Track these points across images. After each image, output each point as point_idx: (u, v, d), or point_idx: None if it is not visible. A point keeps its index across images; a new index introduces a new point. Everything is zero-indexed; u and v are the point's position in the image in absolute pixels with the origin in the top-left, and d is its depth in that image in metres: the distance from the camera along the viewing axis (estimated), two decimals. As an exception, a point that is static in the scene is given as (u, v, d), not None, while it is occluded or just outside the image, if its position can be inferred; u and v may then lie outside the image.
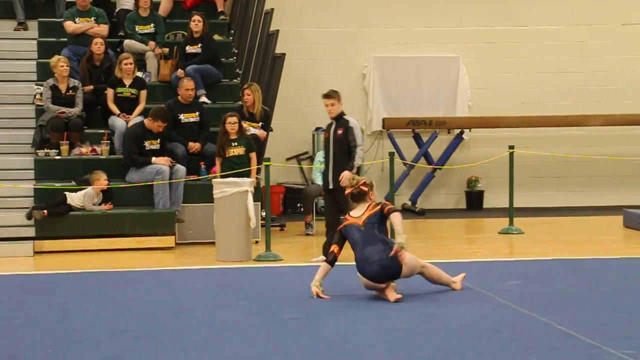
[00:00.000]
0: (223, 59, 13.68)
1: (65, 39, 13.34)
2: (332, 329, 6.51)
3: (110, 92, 12.52)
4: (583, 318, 6.64)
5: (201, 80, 13.14)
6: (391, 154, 12.29)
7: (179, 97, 12.49)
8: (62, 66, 12.38)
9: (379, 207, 7.65)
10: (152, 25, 13.67)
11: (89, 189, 11.43)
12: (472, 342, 6.04)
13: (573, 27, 16.12)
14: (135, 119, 12.37)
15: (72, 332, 6.59)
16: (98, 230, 11.40)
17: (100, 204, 11.52)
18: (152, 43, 13.51)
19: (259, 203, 11.65)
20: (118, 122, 12.38)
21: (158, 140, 11.91)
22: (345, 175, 9.61)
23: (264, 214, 11.56)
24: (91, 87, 12.71)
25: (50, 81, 12.41)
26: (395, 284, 7.47)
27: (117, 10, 14.09)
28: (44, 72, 12.81)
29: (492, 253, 10.90)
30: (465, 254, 10.74)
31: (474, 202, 15.78)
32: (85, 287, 8.60)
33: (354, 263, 7.67)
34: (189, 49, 13.34)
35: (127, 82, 12.63)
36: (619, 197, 15.76)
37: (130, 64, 12.60)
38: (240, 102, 12.89)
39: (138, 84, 12.70)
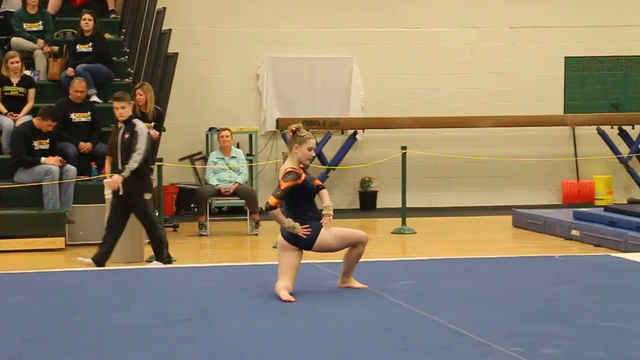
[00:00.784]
0: (114, 58, 13.53)
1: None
2: (226, 330, 6.47)
3: (-3, 91, 12.27)
4: (473, 317, 6.73)
5: (92, 80, 12.96)
6: (285, 155, 12.27)
7: (69, 97, 12.29)
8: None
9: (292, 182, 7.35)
10: (40, 23, 13.43)
11: (-24, 190, 11.18)
12: (365, 342, 6.07)
13: (463, 30, 16.37)
14: (23, 118, 12.14)
15: (-42, 337, 6.41)
16: (-15, 232, 11.15)
17: (-13, 205, 11.27)
18: (40, 41, 13.27)
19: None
20: (6, 122, 12.13)
21: (47, 140, 11.71)
22: (114, 180, 9.58)
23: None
24: (-23, 85, 12.45)
25: None
26: (289, 283, 7.46)
27: (2, 11, 13.79)
28: None
29: (385, 253, 11.00)
30: (359, 254, 10.78)
31: (368, 202, 15.90)
32: (-29, 290, 8.38)
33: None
34: (80, 47, 13.15)
35: (15, 80, 12.38)
36: (509, 198, 16.08)
37: (17, 62, 12.36)
38: (132, 102, 12.74)
39: (26, 82, 12.46)
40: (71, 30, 13.84)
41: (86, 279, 8.96)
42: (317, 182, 7.61)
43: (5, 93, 12.33)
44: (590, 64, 16.73)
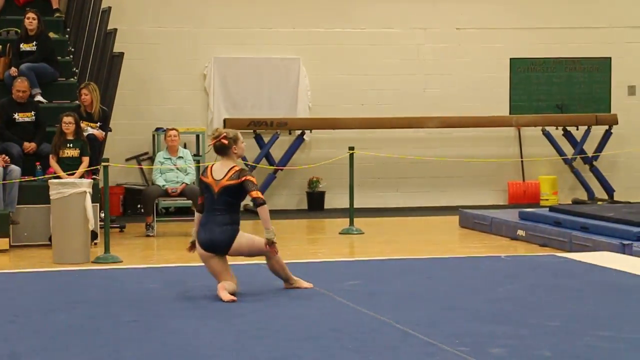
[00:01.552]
0: (59, 58, 13.38)
1: None
2: (172, 332, 6.43)
3: (-62, 91, 12.08)
4: (421, 316, 6.76)
5: (36, 79, 12.81)
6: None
7: (13, 96, 12.15)
8: None
9: (238, 180, 7.39)
10: (-17, 21, 13.25)
11: None
12: (313, 342, 6.06)
13: (410, 31, 16.43)
14: (-34, 118, 11.97)
15: None
16: None
17: None
18: (-18, 40, 13.09)
19: (98, 204, 11.44)
20: (-52, 121, 11.95)
21: (-10, 140, 11.56)
22: None
23: (103, 215, 11.36)
24: None
25: None
26: (233, 284, 7.42)
27: None
28: None
29: (333, 253, 11.01)
30: (307, 254, 10.80)
31: (315, 202, 15.90)
32: None
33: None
34: (24, 46, 12.99)
35: (-43, 79, 12.21)
36: (455, 198, 16.17)
37: (-41, 61, 12.19)
38: (77, 102, 12.63)
39: (-31, 82, 12.29)
40: (14, 29, 13.67)
41: (30, 281, 8.86)
42: None
43: (-53, 92, 12.17)
44: (535, 66, 16.88)
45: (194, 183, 13.11)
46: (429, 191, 16.44)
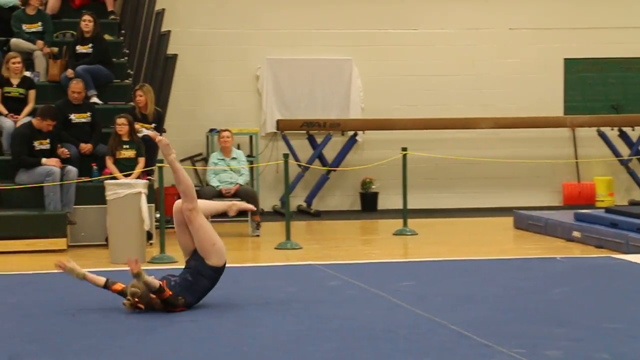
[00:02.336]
0: (114, 60, 13.50)
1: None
2: (229, 331, 6.46)
3: (-3, 92, 12.25)
4: (475, 318, 6.73)
5: (92, 81, 12.95)
6: (285, 156, 12.28)
7: (69, 98, 12.29)
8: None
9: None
10: (39, 23, 13.41)
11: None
12: (367, 343, 6.07)
13: (463, 31, 16.35)
14: (24, 119, 12.13)
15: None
16: (-14, 233, 11.14)
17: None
18: (40, 42, 13.24)
19: (153, 205, 11.53)
20: (6, 123, 12.12)
21: (48, 140, 11.70)
22: None
23: (158, 215, 11.45)
24: (-22, 87, 12.43)
25: None
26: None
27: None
28: None
29: (387, 254, 10.98)
30: (360, 255, 10.79)
31: (369, 203, 15.89)
32: (-28, 292, 8.37)
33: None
34: (80, 48, 13.13)
35: (15, 81, 12.37)
36: (509, 199, 16.05)
37: (19, 63, 12.36)
38: (132, 103, 12.74)
39: (26, 83, 12.45)
40: (71, 31, 13.82)
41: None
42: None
43: (6, 94, 12.32)
44: (590, 66, 16.72)
45: (247, 184, 13.17)
46: (482, 192, 16.35)
